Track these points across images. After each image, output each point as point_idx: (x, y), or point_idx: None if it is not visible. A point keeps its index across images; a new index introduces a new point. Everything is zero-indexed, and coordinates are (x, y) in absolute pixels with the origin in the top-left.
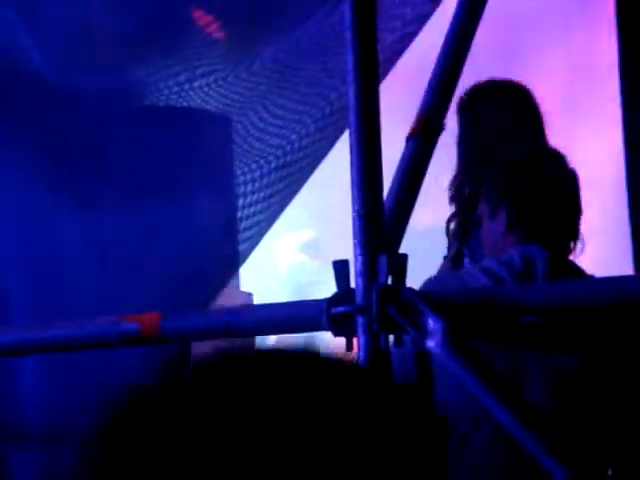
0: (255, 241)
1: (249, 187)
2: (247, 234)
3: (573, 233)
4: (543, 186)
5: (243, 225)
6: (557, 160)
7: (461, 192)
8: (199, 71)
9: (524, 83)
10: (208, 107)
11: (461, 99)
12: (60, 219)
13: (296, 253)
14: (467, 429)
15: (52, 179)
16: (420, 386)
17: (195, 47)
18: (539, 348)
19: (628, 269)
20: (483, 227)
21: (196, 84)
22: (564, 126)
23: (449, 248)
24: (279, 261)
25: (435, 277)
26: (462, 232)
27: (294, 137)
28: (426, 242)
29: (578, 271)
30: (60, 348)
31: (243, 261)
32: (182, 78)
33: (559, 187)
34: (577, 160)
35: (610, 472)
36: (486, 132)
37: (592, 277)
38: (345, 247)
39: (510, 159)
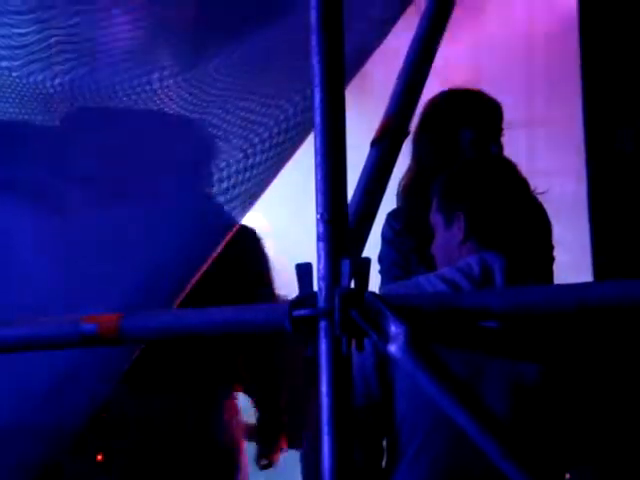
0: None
1: (214, 189)
2: None
3: (532, 239)
4: (499, 192)
5: None
6: (510, 167)
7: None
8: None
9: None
10: (166, 109)
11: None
12: (21, 214)
13: None
14: (420, 444)
15: (14, 177)
16: (380, 396)
17: (152, 46)
18: (498, 354)
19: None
20: (436, 238)
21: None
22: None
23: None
24: None
25: (391, 286)
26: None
27: (257, 140)
28: None
29: (538, 278)
30: (15, 348)
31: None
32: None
33: (515, 193)
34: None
35: (568, 477)
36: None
37: (552, 284)
38: None
39: (462, 167)
